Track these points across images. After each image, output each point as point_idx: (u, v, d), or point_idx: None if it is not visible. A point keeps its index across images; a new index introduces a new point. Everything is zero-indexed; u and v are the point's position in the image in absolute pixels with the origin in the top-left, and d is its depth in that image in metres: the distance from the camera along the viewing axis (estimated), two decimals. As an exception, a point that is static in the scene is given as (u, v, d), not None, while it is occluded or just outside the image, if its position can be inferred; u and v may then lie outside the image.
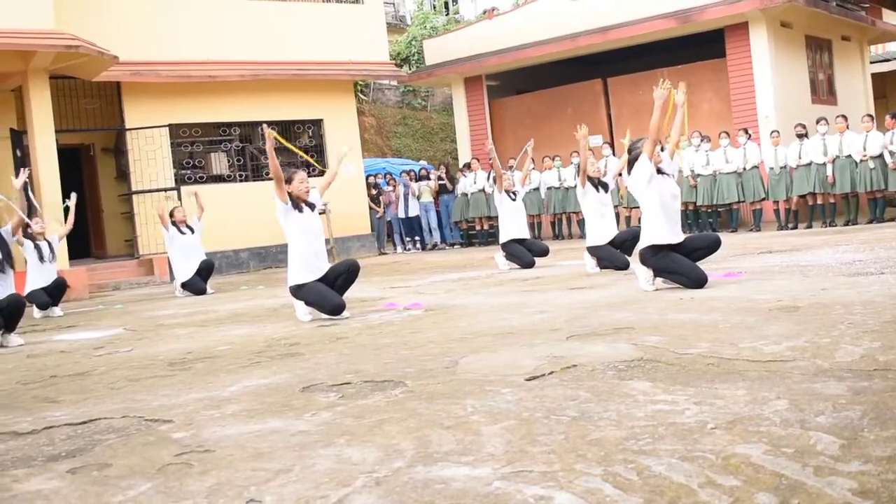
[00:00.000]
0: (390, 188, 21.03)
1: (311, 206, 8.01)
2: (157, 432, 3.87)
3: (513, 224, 11.84)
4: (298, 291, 7.90)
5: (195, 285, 12.65)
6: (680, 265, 7.47)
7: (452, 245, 20.66)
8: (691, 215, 17.17)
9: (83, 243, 19.39)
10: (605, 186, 10.40)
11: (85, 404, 4.72)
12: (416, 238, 20.96)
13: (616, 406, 3.55)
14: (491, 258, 12.27)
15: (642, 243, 7.70)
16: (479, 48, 21.86)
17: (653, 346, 4.81)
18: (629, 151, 7.99)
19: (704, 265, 7.69)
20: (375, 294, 9.87)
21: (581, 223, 18.56)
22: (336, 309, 7.73)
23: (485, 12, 25.07)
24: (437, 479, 2.82)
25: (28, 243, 11.18)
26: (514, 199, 11.89)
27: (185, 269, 12.72)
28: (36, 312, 11.32)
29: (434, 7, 35.43)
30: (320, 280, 7.88)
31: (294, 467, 3.10)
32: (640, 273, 7.70)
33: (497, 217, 18.89)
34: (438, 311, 7.64)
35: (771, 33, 18.03)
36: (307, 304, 7.90)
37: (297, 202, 7.85)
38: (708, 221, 17.02)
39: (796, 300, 6.10)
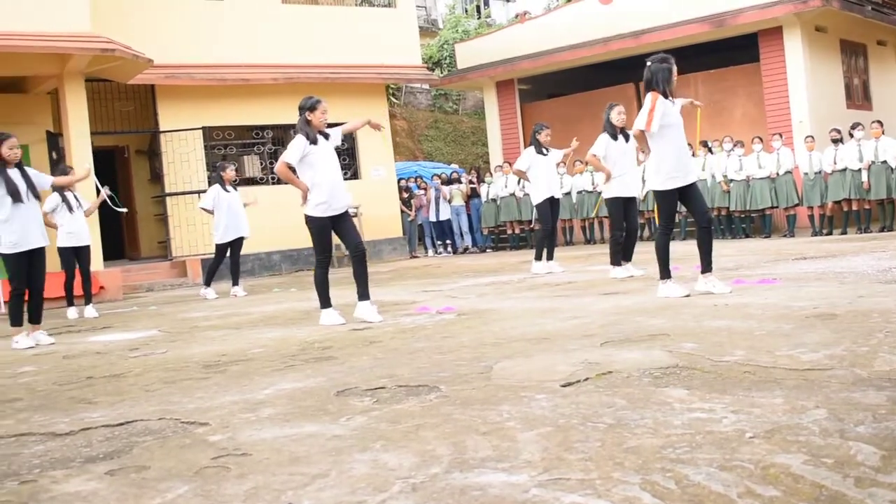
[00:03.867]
0: (422, 192, 21.05)
1: (326, 136, 8.01)
2: (194, 435, 3.89)
3: (546, 181, 11.69)
4: (308, 222, 7.96)
5: (220, 252, 12.85)
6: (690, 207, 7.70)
7: (483, 249, 20.64)
8: (724, 220, 17.07)
9: (117, 244, 19.55)
10: (627, 136, 10.26)
11: (121, 406, 4.75)
12: (448, 241, 20.97)
13: (652, 413, 3.54)
14: (524, 262, 12.22)
15: (649, 185, 7.72)
16: (510, 52, 21.84)
17: (688, 353, 4.78)
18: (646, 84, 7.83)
19: (737, 272, 7.65)
20: (408, 298, 9.88)
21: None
22: (359, 258, 7.90)
23: (517, 16, 25.04)
24: (474, 486, 2.82)
25: (56, 196, 11.23)
26: (546, 154, 11.73)
27: (227, 227, 12.73)
28: (70, 312, 11.43)
29: (466, 11, 35.46)
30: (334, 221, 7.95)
31: (331, 472, 3.11)
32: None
33: (528, 221, 19.04)
34: (471, 315, 7.64)
35: (805, 38, 17.90)
36: (311, 239, 7.98)
37: (314, 134, 7.86)
38: (741, 227, 16.91)
39: (833, 308, 6.04)
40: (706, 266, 7.60)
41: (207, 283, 13.04)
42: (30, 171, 8.53)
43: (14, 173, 8.25)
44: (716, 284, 7.54)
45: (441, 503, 2.69)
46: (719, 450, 2.98)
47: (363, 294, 7.97)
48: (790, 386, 3.82)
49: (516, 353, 5.31)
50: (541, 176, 11.64)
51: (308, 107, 7.89)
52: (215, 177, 13.11)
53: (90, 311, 11.47)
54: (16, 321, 8.38)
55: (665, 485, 2.68)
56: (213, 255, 16.34)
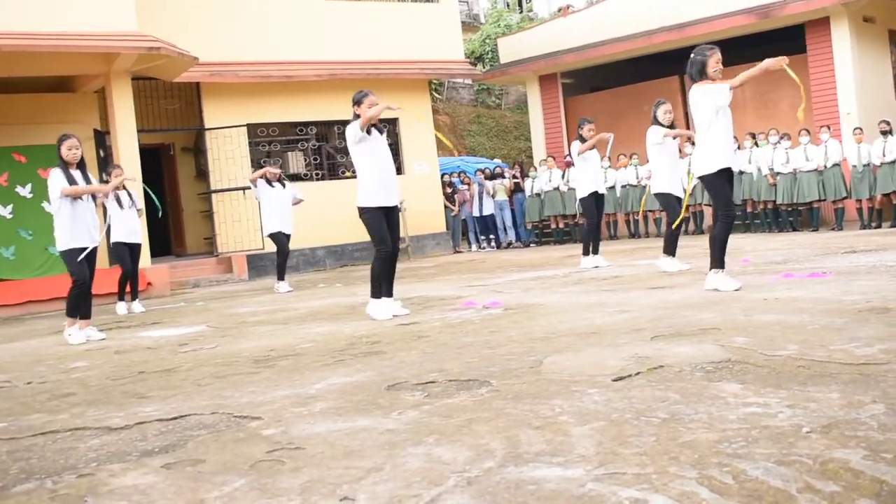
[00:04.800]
0: (465, 187, 21.04)
1: (380, 130, 8.14)
2: (247, 429, 3.92)
3: (591, 176, 11.66)
4: (363, 214, 8.02)
5: (280, 241, 13.00)
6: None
7: (527, 244, 20.61)
8: (770, 214, 16.92)
9: (164, 241, 19.76)
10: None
11: (174, 400, 4.80)
12: (491, 236, 20.96)
13: (706, 408, 3.51)
14: (569, 257, 12.18)
15: (706, 169, 7.61)
16: (553, 46, 21.76)
17: (740, 347, 4.74)
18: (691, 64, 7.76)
19: (786, 266, 7.56)
20: (453, 292, 9.88)
21: (657, 221, 18.41)
22: (391, 257, 7.99)
23: (559, 10, 24.95)
24: (529, 480, 2.81)
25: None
26: (590, 149, 11.69)
27: (269, 222, 13.03)
28: (119, 308, 11.58)
29: (508, 5, 35.36)
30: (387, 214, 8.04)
31: (385, 466, 3.12)
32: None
33: (572, 215, 18.99)
34: (518, 309, 7.63)
35: (853, 28, 17.66)
36: (368, 231, 8.06)
37: (367, 127, 7.94)
38: (788, 220, 16.73)
39: (886, 301, 5.96)
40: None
41: (280, 278, 13.13)
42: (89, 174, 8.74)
43: (76, 174, 8.44)
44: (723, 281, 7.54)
45: (497, 497, 2.69)
46: (776, 445, 2.95)
47: (389, 291, 8.15)
48: (846, 380, 3.78)
49: (565, 348, 5.29)
50: (586, 170, 11.63)
51: (356, 100, 7.98)
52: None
53: (137, 306, 11.67)
54: (73, 312, 8.51)
55: (722, 479, 2.67)
56: (259, 251, 16.61)
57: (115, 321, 10.46)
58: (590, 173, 11.62)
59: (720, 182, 7.55)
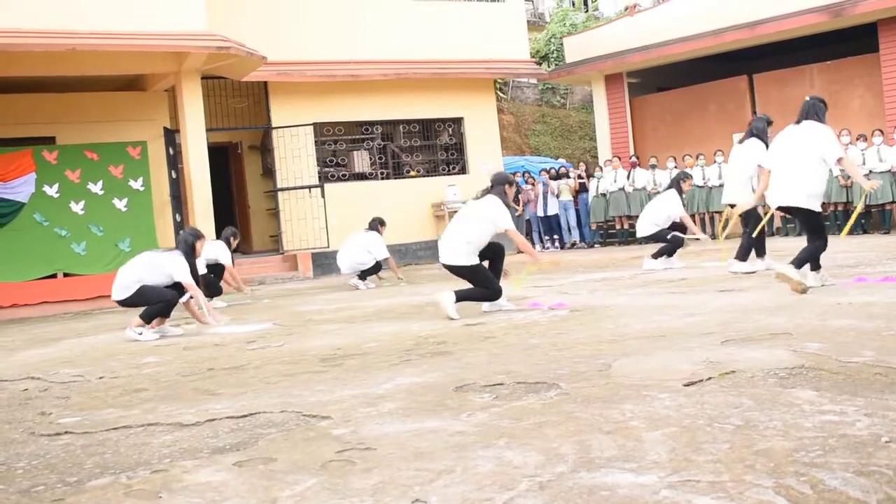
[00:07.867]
0: (529, 186, 20.98)
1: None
2: (317, 428, 3.94)
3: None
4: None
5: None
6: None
7: (592, 244, 20.48)
8: (841, 216, 16.61)
9: (230, 238, 19.94)
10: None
11: (243, 398, 4.85)
12: (555, 236, 20.86)
13: (781, 415, 3.45)
14: (634, 258, 12.07)
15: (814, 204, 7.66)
16: (620, 45, 21.60)
17: (814, 353, 4.65)
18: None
19: (858, 269, 7.44)
20: (518, 293, 9.84)
21: (725, 224, 18.17)
22: (498, 293, 8.21)
23: (626, 9, 24.75)
24: (602, 486, 2.79)
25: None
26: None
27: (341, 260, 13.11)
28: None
29: (573, 4, 35.17)
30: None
31: (456, 468, 3.11)
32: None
33: (637, 216, 18.84)
34: (584, 311, 7.58)
35: (928, 26, 17.28)
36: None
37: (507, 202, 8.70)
38: (860, 223, 16.40)
39: (964, 307, 5.83)
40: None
41: (363, 278, 13.24)
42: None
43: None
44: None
45: (570, 502, 2.67)
46: (854, 454, 2.89)
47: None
48: (925, 389, 3.69)
49: (634, 351, 5.24)
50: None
51: (509, 182, 8.97)
52: None
53: (217, 303, 11.79)
54: (149, 318, 8.73)
55: (800, 489, 2.62)
56: (324, 249, 16.73)
57: (183, 317, 10.57)
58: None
59: (803, 215, 7.72)
